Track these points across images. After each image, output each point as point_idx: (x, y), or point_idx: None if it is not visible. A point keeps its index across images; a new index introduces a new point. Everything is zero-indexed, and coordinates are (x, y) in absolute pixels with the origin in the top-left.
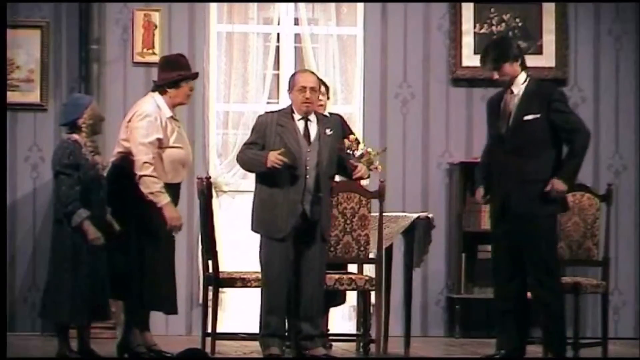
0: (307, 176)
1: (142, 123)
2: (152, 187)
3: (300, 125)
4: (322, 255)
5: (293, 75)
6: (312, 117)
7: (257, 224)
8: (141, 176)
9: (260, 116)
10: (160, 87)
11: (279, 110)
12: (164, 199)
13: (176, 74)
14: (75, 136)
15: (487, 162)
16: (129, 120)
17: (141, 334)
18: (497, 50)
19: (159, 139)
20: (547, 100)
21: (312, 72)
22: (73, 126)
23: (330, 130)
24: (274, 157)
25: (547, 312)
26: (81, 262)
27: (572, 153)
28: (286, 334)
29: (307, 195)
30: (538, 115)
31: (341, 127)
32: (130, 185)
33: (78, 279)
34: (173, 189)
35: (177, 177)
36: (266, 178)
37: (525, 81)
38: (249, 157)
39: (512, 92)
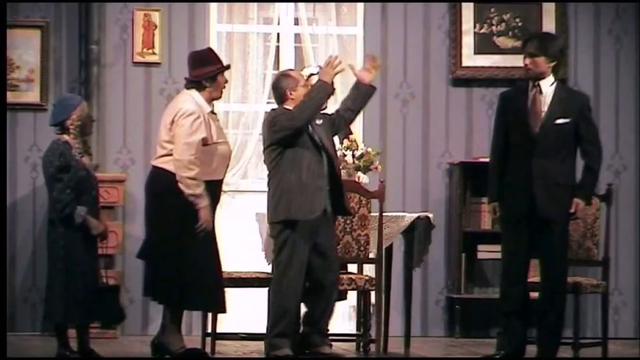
0: (325, 166)
1: (186, 122)
2: (194, 189)
3: None
4: (335, 252)
5: (287, 75)
6: None
7: (287, 210)
8: (183, 177)
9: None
10: (197, 83)
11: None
12: (204, 202)
13: (215, 68)
14: (66, 137)
15: (500, 168)
16: (172, 122)
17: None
18: (542, 42)
19: (203, 138)
20: (579, 106)
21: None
22: (62, 127)
23: (319, 120)
24: (330, 65)
25: (553, 313)
26: (74, 263)
27: (590, 170)
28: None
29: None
30: (568, 120)
31: (330, 119)
32: (170, 188)
33: (71, 280)
34: (216, 186)
35: (222, 174)
36: (293, 165)
37: (552, 84)
38: (304, 102)
39: (540, 92)
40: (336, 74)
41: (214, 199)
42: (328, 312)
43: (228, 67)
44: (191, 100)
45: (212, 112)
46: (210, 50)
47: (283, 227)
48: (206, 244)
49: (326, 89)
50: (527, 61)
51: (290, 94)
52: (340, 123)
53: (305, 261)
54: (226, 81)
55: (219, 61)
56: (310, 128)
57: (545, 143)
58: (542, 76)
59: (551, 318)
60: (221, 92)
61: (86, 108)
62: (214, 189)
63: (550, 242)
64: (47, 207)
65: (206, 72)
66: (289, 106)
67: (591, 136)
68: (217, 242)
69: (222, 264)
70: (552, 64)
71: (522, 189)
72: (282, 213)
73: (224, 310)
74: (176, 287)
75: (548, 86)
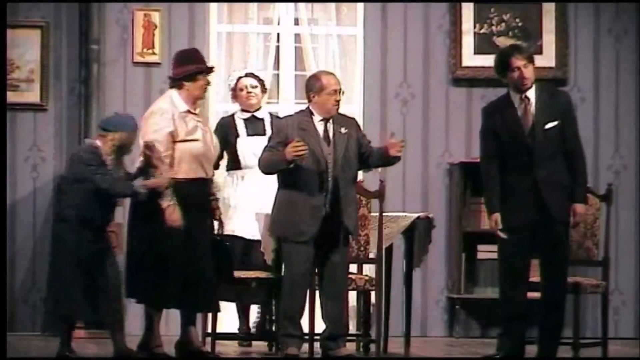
0: (329, 178)
1: (152, 119)
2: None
3: (320, 127)
4: (345, 256)
5: (318, 78)
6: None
7: (279, 227)
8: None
9: (280, 120)
10: (177, 82)
11: (298, 113)
12: (166, 202)
13: (193, 67)
14: (98, 142)
15: (498, 179)
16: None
17: (187, 332)
18: (529, 50)
19: (170, 132)
20: (564, 108)
21: (334, 74)
22: (105, 134)
23: (345, 129)
24: (292, 149)
25: (555, 314)
26: (82, 261)
27: (579, 172)
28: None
29: (328, 197)
30: (556, 123)
31: (357, 126)
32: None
33: (81, 278)
34: (198, 185)
35: (199, 172)
36: (289, 181)
37: (534, 89)
38: (269, 158)
39: (528, 100)
40: (297, 156)
41: (199, 198)
42: (334, 319)
43: (210, 68)
44: (166, 99)
45: (191, 112)
46: (194, 50)
47: (279, 241)
48: (194, 244)
49: (282, 163)
50: (528, 73)
51: (313, 96)
52: (365, 155)
53: (303, 271)
54: (208, 82)
55: (201, 61)
56: (319, 140)
57: (542, 150)
58: (532, 84)
59: (553, 319)
60: (202, 92)
61: (134, 136)
62: (198, 188)
63: (555, 243)
64: (47, 207)
65: (186, 70)
66: (313, 109)
67: (575, 137)
68: (205, 240)
69: (210, 264)
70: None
71: (530, 198)
72: (276, 229)
73: (217, 309)
74: (156, 286)
75: (532, 92)
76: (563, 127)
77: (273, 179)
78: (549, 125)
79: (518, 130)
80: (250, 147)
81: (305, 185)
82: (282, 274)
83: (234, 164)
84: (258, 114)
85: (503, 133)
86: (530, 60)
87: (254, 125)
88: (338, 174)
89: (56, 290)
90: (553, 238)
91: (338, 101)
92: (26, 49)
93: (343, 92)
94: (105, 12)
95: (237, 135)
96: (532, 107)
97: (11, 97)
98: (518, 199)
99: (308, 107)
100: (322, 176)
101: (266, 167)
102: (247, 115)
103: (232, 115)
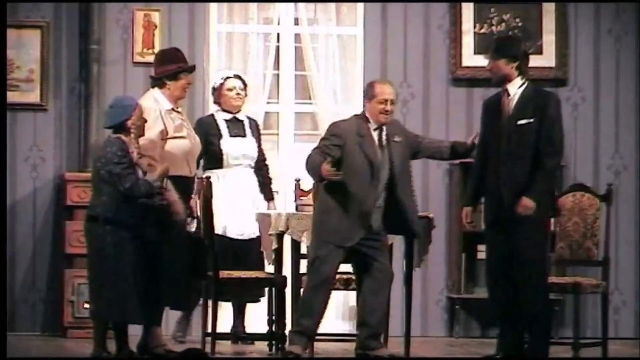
0: (379, 187)
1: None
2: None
3: (375, 135)
4: (388, 260)
5: (372, 86)
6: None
7: (324, 230)
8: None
9: (338, 123)
10: (158, 81)
11: (354, 118)
12: (172, 196)
13: (175, 67)
14: (122, 137)
15: (478, 173)
16: None
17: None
18: (499, 44)
19: (161, 131)
20: (543, 106)
21: (390, 83)
22: (120, 128)
23: (399, 137)
24: (328, 172)
25: (538, 314)
26: (123, 261)
27: (543, 171)
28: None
29: (376, 206)
30: (531, 120)
31: (403, 128)
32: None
33: (122, 278)
34: (183, 183)
35: (184, 170)
36: (340, 185)
37: (522, 85)
38: (316, 163)
39: (508, 95)
40: (330, 180)
41: (182, 196)
42: (379, 317)
43: (192, 68)
44: (150, 98)
45: (175, 110)
46: (175, 49)
47: (317, 244)
48: (177, 242)
49: (316, 177)
50: (489, 65)
51: (366, 103)
52: (425, 151)
53: (334, 274)
54: (189, 82)
55: (183, 60)
56: (375, 149)
57: (510, 145)
58: (507, 79)
59: (539, 319)
60: (183, 92)
61: (142, 109)
62: (181, 186)
63: (517, 244)
64: (47, 206)
65: (168, 70)
66: (367, 112)
67: (548, 134)
68: (185, 238)
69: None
70: (514, 65)
71: (494, 193)
72: (320, 232)
73: (189, 309)
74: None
75: (516, 88)
76: (539, 127)
77: (253, 178)
78: (521, 122)
79: (497, 122)
80: (233, 148)
81: (357, 192)
82: (307, 271)
83: (214, 164)
84: (238, 116)
85: (485, 126)
86: (498, 56)
87: (236, 127)
88: (397, 182)
89: (100, 294)
90: (515, 239)
91: (387, 111)
92: (26, 49)
93: (393, 102)
94: (105, 12)
95: (220, 136)
96: (513, 103)
97: (11, 97)
98: (488, 195)
99: (364, 113)
100: (374, 184)
101: (309, 170)
102: (229, 116)
103: (212, 115)
